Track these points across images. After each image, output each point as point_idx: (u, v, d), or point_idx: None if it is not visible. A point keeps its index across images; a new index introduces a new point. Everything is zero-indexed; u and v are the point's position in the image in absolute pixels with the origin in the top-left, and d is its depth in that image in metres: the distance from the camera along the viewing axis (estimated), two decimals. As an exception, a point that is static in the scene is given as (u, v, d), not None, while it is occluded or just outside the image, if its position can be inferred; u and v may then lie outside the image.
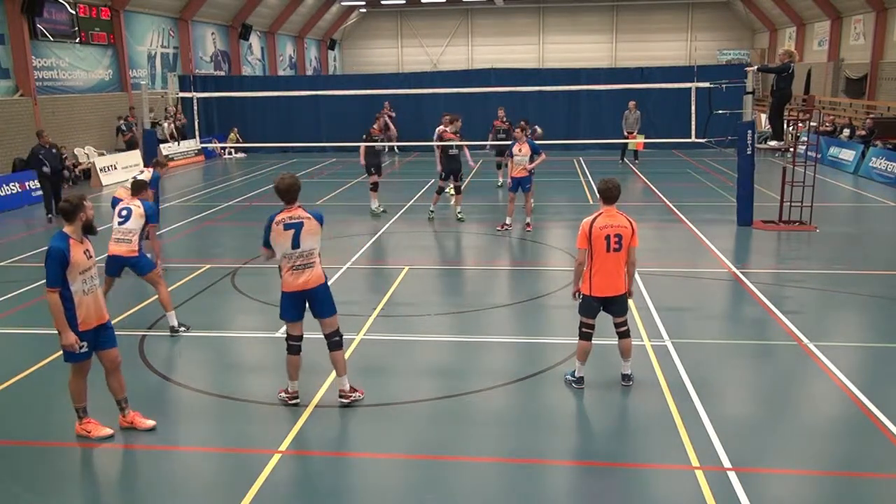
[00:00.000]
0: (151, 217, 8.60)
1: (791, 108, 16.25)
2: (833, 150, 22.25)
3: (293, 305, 6.38)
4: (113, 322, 6.22)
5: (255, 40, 37.50)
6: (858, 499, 5.25)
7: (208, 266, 11.47)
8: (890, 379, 7.16)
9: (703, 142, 14.31)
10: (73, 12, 22.76)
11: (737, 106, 13.80)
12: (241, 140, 26.71)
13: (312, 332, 6.67)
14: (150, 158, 13.03)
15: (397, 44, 49.98)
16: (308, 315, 6.47)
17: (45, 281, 5.69)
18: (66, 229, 5.80)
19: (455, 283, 11.07)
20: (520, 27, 48.17)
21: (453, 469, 5.66)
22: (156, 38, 28.19)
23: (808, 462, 5.70)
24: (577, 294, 6.81)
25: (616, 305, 6.76)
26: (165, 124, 25.35)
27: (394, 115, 24.81)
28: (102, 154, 22.85)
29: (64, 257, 5.63)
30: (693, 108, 13.84)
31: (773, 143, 14.69)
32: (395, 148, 26.24)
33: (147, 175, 11.32)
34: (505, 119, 18.51)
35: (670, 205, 15.92)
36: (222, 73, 33.51)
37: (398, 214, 15.32)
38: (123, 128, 23.32)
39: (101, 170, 20.90)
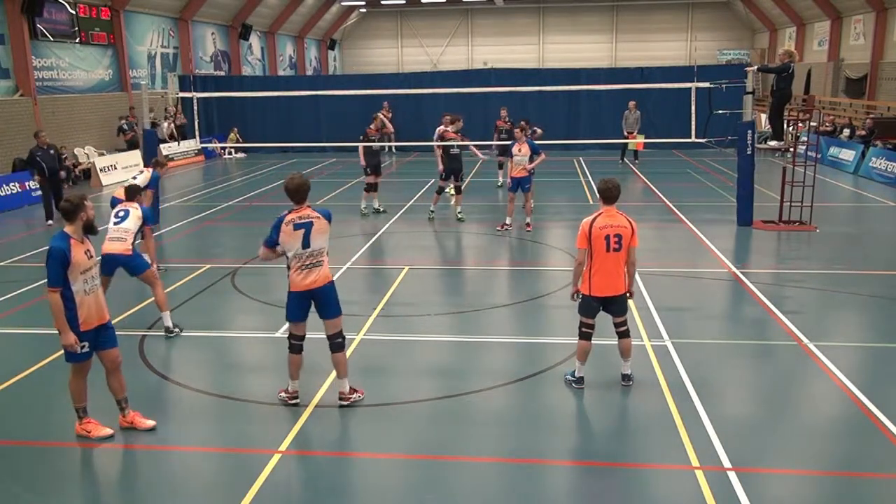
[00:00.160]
0: (148, 219, 8.67)
1: (791, 108, 16.24)
2: (833, 150, 22.25)
3: (300, 305, 6.38)
4: (113, 322, 6.22)
5: (255, 40, 37.50)
6: (858, 499, 5.25)
7: (208, 266, 11.47)
8: (890, 379, 7.16)
9: (703, 142, 14.31)
10: (73, 12, 22.77)
11: (737, 106, 13.80)
12: (241, 140, 26.71)
13: (313, 332, 6.67)
14: (150, 158, 13.03)
15: (397, 44, 49.99)
16: (310, 315, 6.47)
17: (45, 281, 5.69)
18: (67, 229, 5.80)
19: (455, 283, 11.07)
20: (520, 27, 48.17)
21: (453, 469, 5.66)
22: (156, 38, 28.19)
23: (808, 462, 5.70)
24: (576, 294, 6.82)
25: (616, 305, 6.76)
26: (165, 124, 25.34)
27: (390, 115, 24.81)
28: (102, 154, 22.86)
29: (65, 257, 5.63)
30: (693, 108, 13.84)
31: (773, 143, 14.69)
32: (392, 148, 26.23)
33: (146, 175, 11.33)
34: (507, 119, 18.52)
35: (670, 205, 15.92)
36: (222, 73, 33.51)
37: (398, 214, 15.32)
38: (125, 127, 23.30)
39: (101, 170, 20.90)
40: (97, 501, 5.51)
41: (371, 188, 15.21)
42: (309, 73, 44.43)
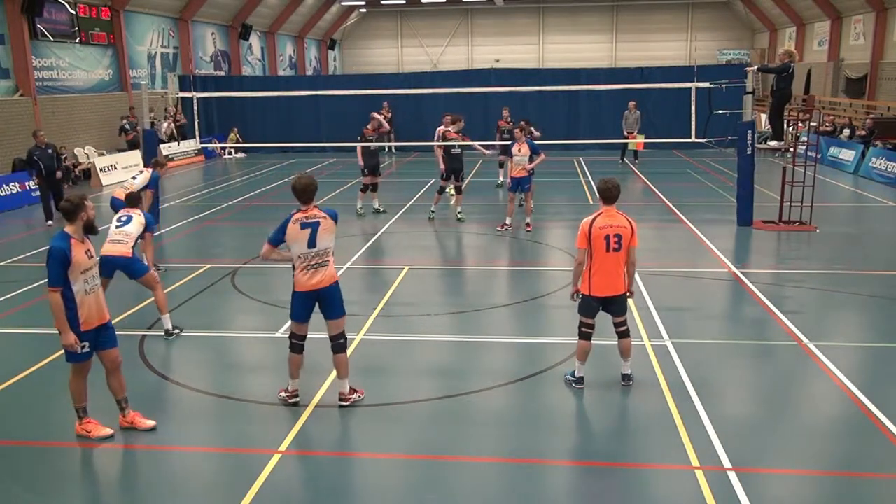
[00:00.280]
0: (151, 226, 8.73)
1: (791, 108, 16.24)
2: (833, 150, 22.25)
3: (304, 305, 6.39)
4: (113, 322, 6.22)
5: (255, 40, 37.50)
6: (858, 499, 5.25)
7: (208, 266, 11.47)
8: (890, 379, 7.16)
9: (703, 142, 14.31)
10: (73, 12, 22.77)
11: (737, 106, 13.80)
12: (241, 140, 26.71)
13: (314, 332, 6.67)
14: (150, 158, 13.03)
15: (397, 44, 49.99)
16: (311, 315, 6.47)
17: (45, 281, 5.69)
18: (68, 229, 5.80)
19: (455, 283, 11.07)
20: (520, 27, 48.17)
21: (453, 469, 5.66)
22: (156, 38, 28.20)
23: (808, 462, 5.70)
24: (576, 294, 6.82)
25: (615, 305, 6.76)
26: (165, 124, 25.34)
27: (389, 114, 24.82)
28: (102, 154, 22.86)
29: (65, 257, 5.63)
30: (693, 108, 13.84)
31: (773, 143, 14.69)
32: (392, 148, 26.25)
33: (146, 175, 11.32)
34: (509, 119, 18.52)
35: (670, 205, 15.92)
36: (222, 73, 33.52)
37: (398, 214, 15.33)
38: (127, 126, 23.28)
39: (101, 170, 20.91)
40: (97, 501, 5.51)
41: (368, 188, 15.19)
42: (309, 73, 44.44)
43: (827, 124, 24.21)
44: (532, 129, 16.37)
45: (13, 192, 17.62)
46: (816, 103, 29.12)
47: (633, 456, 5.82)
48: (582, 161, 23.59)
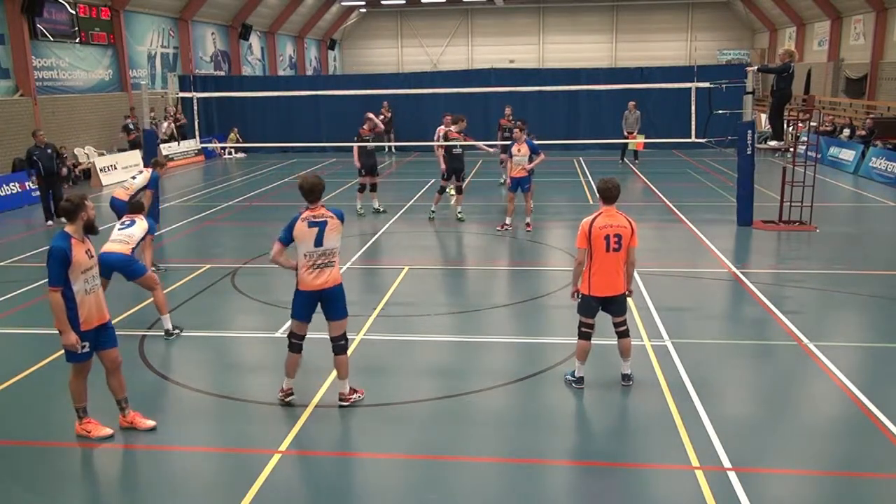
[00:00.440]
0: (152, 231, 8.78)
1: (791, 108, 16.25)
2: (833, 150, 22.25)
3: (307, 305, 6.39)
4: (113, 322, 6.22)
5: (255, 40, 37.50)
6: (858, 499, 5.25)
7: (208, 266, 11.47)
8: (890, 379, 7.16)
9: (703, 142, 14.31)
10: (73, 12, 22.76)
11: (737, 106, 13.80)
12: (241, 140, 26.71)
13: (314, 332, 6.67)
14: (150, 158, 13.03)
15: (397, 44, 49.99)
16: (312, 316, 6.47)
17: (45, 281, 5.69)
18: (68, 229, 5.80)
19: (455, 283, 11.07)
20: (520, 27, 48.17)
21: (453, 469, 5.66)
22: (156, 38, 28.19)
23: (808, 462, 5.70)
24: (576, 294, 6.82)
25: (615, 305, 6.76)
26: (165, 124, 25.34)
27: (390, 114, 24.83)
28: (102, 154, 22.86)
29: (66, 257, 5.63)
30: (693, 108, 13.84)
31: (773, 143, 14.69)
32: (392, 148, 26.26)
33: (146, 175, 11.33)
34: (511, 118, 18.53)
35: (670, 205, 15.92)
36: (222, 73, 33.51)
37: (398, 214, 15.33)
38: (131, 126, 23.25)
39: (101, 170, 20.91)
40: (97, 501, 5.51)
41: (366, 188, 15.17)
42: (309, 73, 44.43)
43: (827, 124, 24.21)
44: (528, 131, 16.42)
45: (13, 192, 17.62)
46: (816, 103, 29.12)
47: (633, 456, 5.82)
48: (582, 161, 23.59)
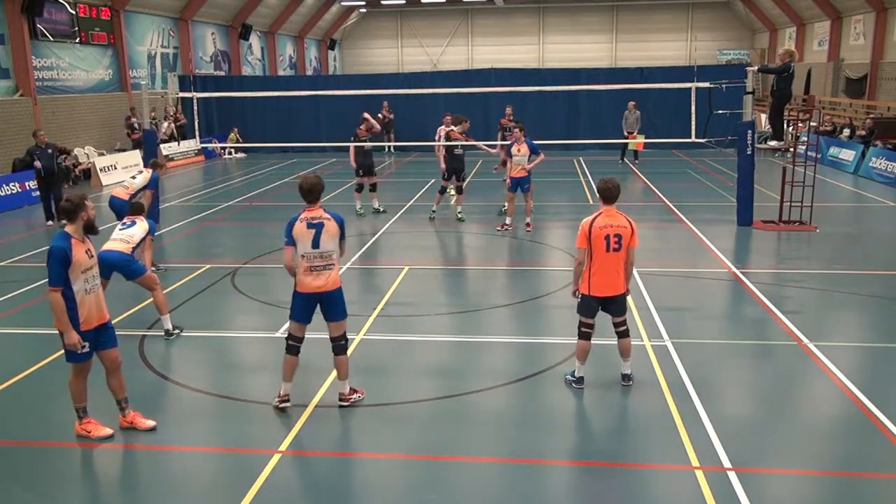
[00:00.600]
0: (152, 230, 8.80)
1: (791, 108, 16.24)
2: (833, 150, 22.25)
3: (306, 306, 6.38)
4: (113, 322, 6.22)
5: (255, 40, 37.50)
6: (858, 499, 5.25)
7: (208, 266, 11.47)
8: (890, 379, 7.16)
9: (703, 142, 14.31)
10: (73, 12, 22.77)
11: (737, 106, 13.80)
12: (241, 140, 26.71)
13: (314, 332, 6.67)
14: (150, 159, 13.03)
15: (397, 44, 49.99)
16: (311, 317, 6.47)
17: (45, 281, 5.69)
18: (68, 229, 5.80)
19: (455, 283, 11.07)
20: (520, 27, 48.19)
21: (453, 469, 5.66)
22: (156, 38, 28.20)
23: (808, 462, 5.70)
24: (576, 294, 6.82)
25: (615, 305, 6.76)
26: (165, 124, 25.33)
27: (391, 115, 24.82)
28: (102, 154, 22.85)
29: (66, 256, 5.63)
30: (693, 108, 13.84)
31: (773, 143, 14.69)
32: (391, 148, 26.26)
33: (146, 175, 11.33)
34: (512, 117, 18.53)
35: (670, 205, 15.92)
36: (222, 73, 33.52)
37: (398, 214, 15.33)
38: (136, 125, 23.22)
39: (101, 170, 20.90)
40: (97, 501, 5.51)
41: (363, 188, 15.16)
42: (309, 73, 44.44)
43: (827, 124, 24.20)
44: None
45: (13, 192, 17.61)
46: (816, 103, 29.13)
47: (633, 456, 5.82)
48: (582, 161, 23.59)
